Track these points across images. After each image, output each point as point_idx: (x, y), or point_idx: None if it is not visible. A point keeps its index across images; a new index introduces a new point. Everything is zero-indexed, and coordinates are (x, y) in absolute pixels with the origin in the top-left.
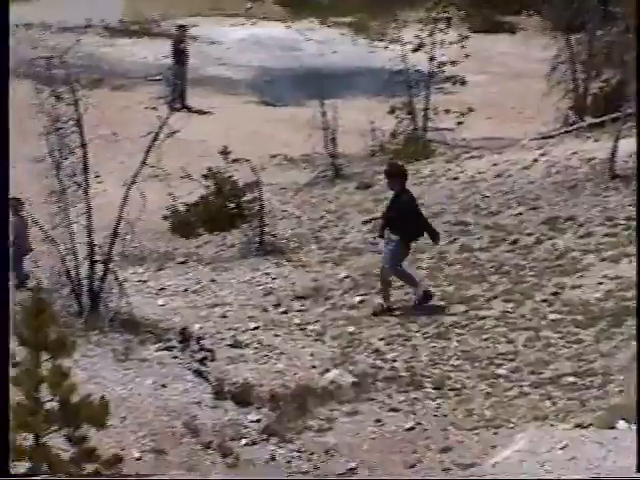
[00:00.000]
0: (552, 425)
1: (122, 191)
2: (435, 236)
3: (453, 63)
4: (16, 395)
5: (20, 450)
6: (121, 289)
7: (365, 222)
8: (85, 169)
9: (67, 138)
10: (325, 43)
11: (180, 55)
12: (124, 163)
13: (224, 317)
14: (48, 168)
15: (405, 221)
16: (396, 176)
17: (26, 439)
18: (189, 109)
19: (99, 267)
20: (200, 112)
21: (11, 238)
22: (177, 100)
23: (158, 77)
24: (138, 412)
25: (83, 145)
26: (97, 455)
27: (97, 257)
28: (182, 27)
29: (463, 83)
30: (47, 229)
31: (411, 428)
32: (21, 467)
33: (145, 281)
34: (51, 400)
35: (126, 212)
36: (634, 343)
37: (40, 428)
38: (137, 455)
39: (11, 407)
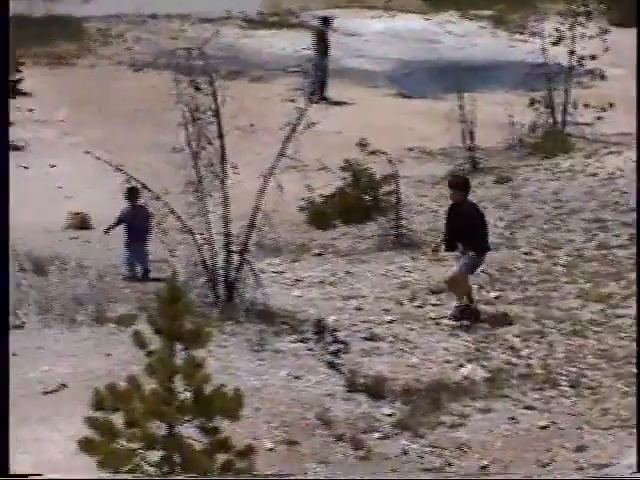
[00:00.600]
0: None
1: (259, 182)
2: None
3: (593, 57)
4: (150, 384)
5: (152, 439)
6: (257, 280)
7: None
8: (223, 159)
9: (205, 128)
10: (464, 36)
11: (322, 47)
12: (261, 154)
13: (359, 309)
14: (186, 158)
15: (476, 233)
16: (461, 188)
17: (159, 428)
18: (328, 101)
19: (235, 257)
20: (339, 104)
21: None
22: (317, 92)
23: (296, 69)
24: (271, 403)
25: (221, 136)
26: (230, 446)
27: (233, 247)
28: (326, 19)
29: (603, 77)
30: (184, 219)
31: (545, 426)
32: (153, 456)
33: (281, 272)
34: (185, 390)
35: (263, 203)
36: None
37: (173, 418)
38: (270, 446)
39: (145, 396)
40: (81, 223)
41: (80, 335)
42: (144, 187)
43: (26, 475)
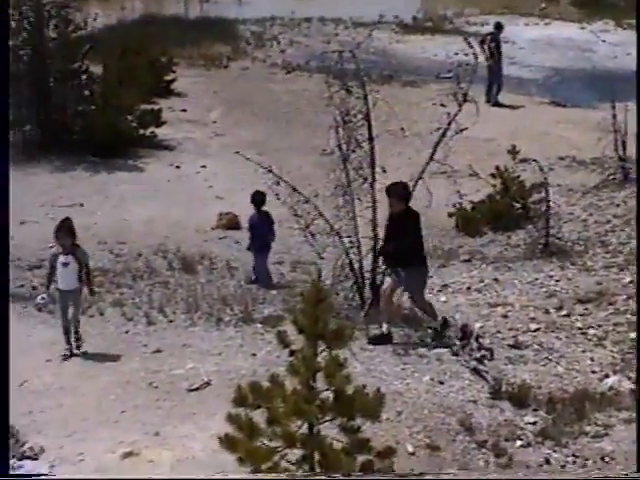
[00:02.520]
0: None
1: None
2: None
3: None
4: (292, 383)
5: (293, 437)
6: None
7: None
8: (372, 163)
9: (355, 132)
10: (619, 45)
11: (495, 51)
12: (411, 159)
13: (505, 317)
14: (336, 161)
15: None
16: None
17: (300, 427)
18: (500, 105)
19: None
20: (511, 107)
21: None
22: (490, 96)
23: (449, 75)
24: (414, 407)
25: (371, 139)
26: (370, 446)
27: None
28: (499, 24)
29: None
30: (332, 222)
31: None
32: (293, 455)
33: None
34: (326, 390)
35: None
36: None
37: (314, 417)
38: (411, 450)
39: (287, 395)
40: (230, 223)
41: (226, 334)
42: (294, 190)
43: (27, 475)
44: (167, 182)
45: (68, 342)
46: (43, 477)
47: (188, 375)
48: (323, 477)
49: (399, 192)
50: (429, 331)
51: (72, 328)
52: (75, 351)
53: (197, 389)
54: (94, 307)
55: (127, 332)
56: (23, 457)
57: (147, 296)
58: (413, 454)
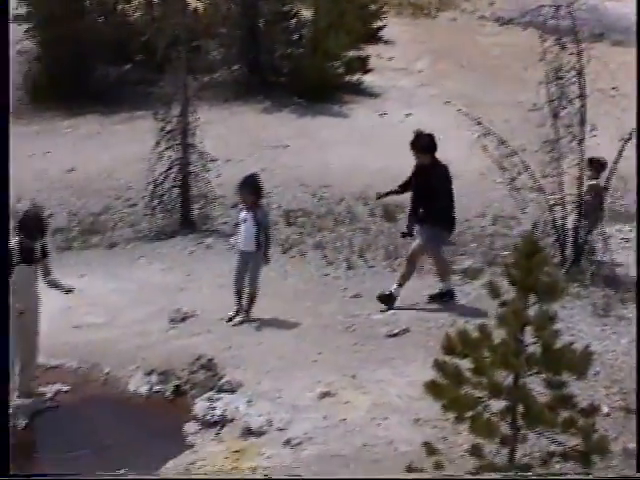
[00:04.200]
0: None
1: (617, 147)
2: None
3: None
4: (499, 334)
5: (498, 388)
6: (606, 244)
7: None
8: (582, 121)
9: (567, 88)
10: None
11: None
12: (620, 119)
13: None
14: (545, 117)
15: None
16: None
17: (505, 378)
18: None
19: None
20: None
21: None
22: None
23: None
24: (612, 369)
25: (582, 96)
26: (575, 403)
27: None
28: None
29: None
30: (538, 177)
31: None
32: (497, 405)
33: (628, 239)
34: (534, 343)
35: (620, 168)
36: None
37: (521, 369)
38: (606, 411)
39: (494, 345)
40: None
41: (427, 283)
42: (502, 142)
43: (27, 475)
44: (371, 129)
45: (238, 303)
46: (43, 477)
47: (387, 321)
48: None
49: (425, 144)
50: (437, 291)
51: (245, 291)
52: (241, 317)
53: (396, 335)
54: (296, 249)
55: (327, 275)
56: (221, 390)
57: (348, 241)
58: (608, 415)
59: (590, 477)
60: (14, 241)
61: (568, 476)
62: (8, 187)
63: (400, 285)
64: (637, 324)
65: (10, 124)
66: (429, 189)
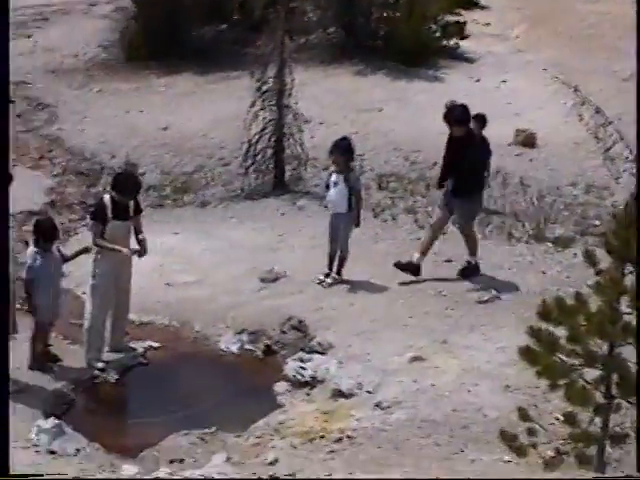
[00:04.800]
0: None
1: None
2: None
3: None
4: (595, 303)
5: (593, 357)
6: None
7: None
8: None
9: None
10: None
11: None
12: None
13: None
14: None
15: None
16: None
17: (600, 347)
18: None
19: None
20: None
21: None
22: None
23: None
24: None
25: None
26: None
27: None
28: None
29: None
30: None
31: None
32: (591, 374)
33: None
34: (629, 313)
35: None
36: None
37: (617, 338)
38: None
39: (590, 313)
40: (527, 141)
41: (516, 250)
42: (597, 111)
43: (26, 475)
44: (465, 95)
45: (329, 267)
46: (43, 477)
47: (478, 287)
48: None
49: (458, 116)
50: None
51: (336, 254)
52: (333, 277)
53: (486, 301)
54: (387, 212)
55: (419, 239)
56: (312, 351)
57: None
58: None
59: (590, 477)
60: (107, 197)
61: (568, 476)
62: (8, 186)
63: (423, 254)
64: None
65: (100, 83)
66: (462, 161)
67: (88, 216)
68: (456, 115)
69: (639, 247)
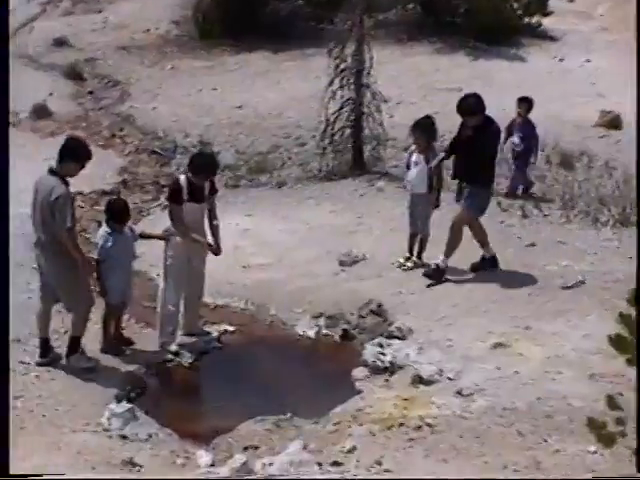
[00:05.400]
0: None
1: None
2: None
3: None
4: None
5: None
6: None
7: None
8: None
9: None
10: None
11: None
12: None
13: None
14: None
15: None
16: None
17: None
18: None
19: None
20: None
21: None
22: None
23: None
24: None
25: None
26: None
27: None
28: None
29: None
30: None
31: None
32: None
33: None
34: None
35: None
36: None
37: None
38: None
39: None
40: (612, 122)
41: (602, 235)
42: None
43: (26, 475)
44: (548, 74)
45: (410, 250)
46: (43, 477)
47: (562, 272)
48: None
49: (471, 105)
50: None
51: (417, 237)
52: (414, 261)
53: (571, 287)
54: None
55: (501, 222)
56: (391, 336)
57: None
58: None
59: (590, 477)
60: (183, 178)
61: (567, 476)
62: (7, 181)
63: (447, 257)
64: (637, 317)
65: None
66: (473, 151)
67: (162, 197)
68: (470, 105)
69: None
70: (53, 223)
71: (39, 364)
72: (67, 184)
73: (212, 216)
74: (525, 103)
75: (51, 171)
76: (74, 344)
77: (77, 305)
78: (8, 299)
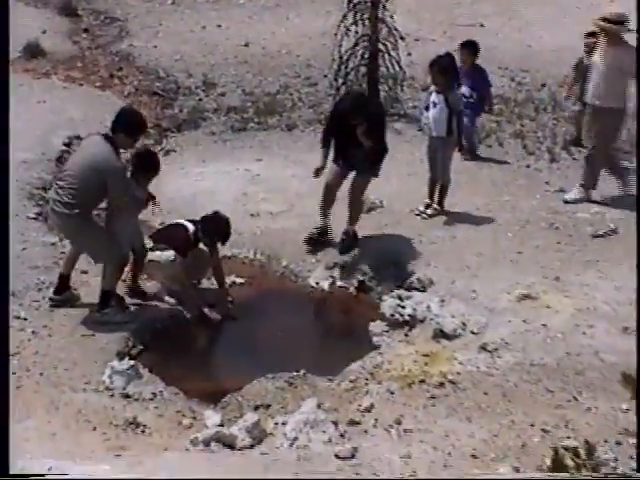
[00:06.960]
0: None
1: None
2: None
3: None
4: None
5: None
6: None
7: None
8: None
9: None
10: None
11: None
12: None
13: None
14: None
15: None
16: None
17: None
18: None
19: None
20: None
21: None
22: None
23: None
24: None
25: None
26: None
27: None
28: None
29: None
30: None
31: None
32: None
33: None
34: None
35: None
36: None
37: None
38: None
39: None
40: None
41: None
42: None
43: (26, 475)
44: (577, 9)
45: (430, 197)
46: (43, 477)
47: (593, 220)
48: None
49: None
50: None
51: (437, 183)
52: (434, 208)
53: (602, 236)
54: (492, 137)
55: (528, 167)
56: (411, 288)
57: (550, 131)
58: None
59: (590, 477)
60: (192, 231)
61: (567, 475)
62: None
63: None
64: (637, 317)
65: None
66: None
67: (165, 141)
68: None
69: None
70: (95, 190)
71: (51, 299)
72: (119, 154)
73: None
74: (467, 48)
75: (106, 137)
76: (105, 298)
77: (110, 258)
78: (8, 253)
